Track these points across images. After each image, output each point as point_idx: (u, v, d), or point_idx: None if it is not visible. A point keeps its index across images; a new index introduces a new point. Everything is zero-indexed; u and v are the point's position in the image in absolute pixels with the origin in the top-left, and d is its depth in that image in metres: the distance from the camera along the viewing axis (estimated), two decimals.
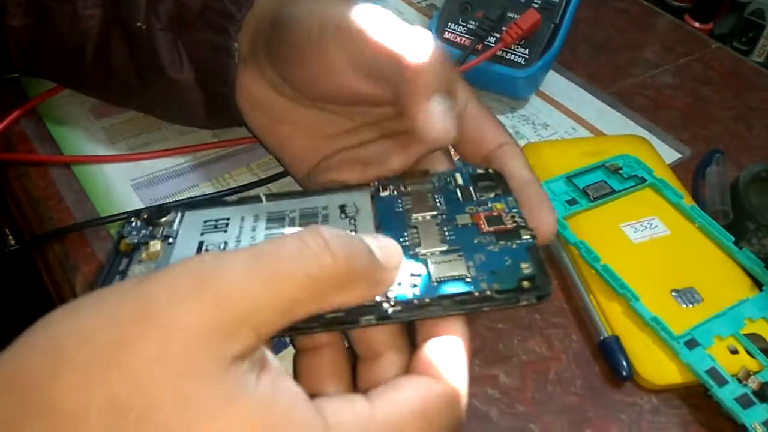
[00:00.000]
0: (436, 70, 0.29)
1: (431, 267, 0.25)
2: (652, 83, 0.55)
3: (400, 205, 0.30)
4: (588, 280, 0.37)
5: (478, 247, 0.26)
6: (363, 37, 0.31)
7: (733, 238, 0.39)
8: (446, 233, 0.27)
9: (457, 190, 0.30)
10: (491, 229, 0.27)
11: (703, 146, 0.49)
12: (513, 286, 0.24)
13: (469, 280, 0.25)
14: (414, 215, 0.29)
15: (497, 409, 0.33)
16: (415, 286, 0.25)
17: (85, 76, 0.40)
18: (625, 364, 0.34)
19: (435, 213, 0.29)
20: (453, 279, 0.25)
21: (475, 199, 0.29)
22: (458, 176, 0.31)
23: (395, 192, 0.31)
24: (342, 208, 0.30)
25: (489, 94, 0.51)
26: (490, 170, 0.31)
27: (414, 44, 0.30)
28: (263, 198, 0.32)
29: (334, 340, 0.27)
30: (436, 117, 0.29)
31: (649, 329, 0.35)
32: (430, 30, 0.49)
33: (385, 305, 0.24)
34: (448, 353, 0.24)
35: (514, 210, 0.28)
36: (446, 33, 0.49)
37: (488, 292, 0.24)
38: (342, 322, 0.23)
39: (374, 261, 0.23)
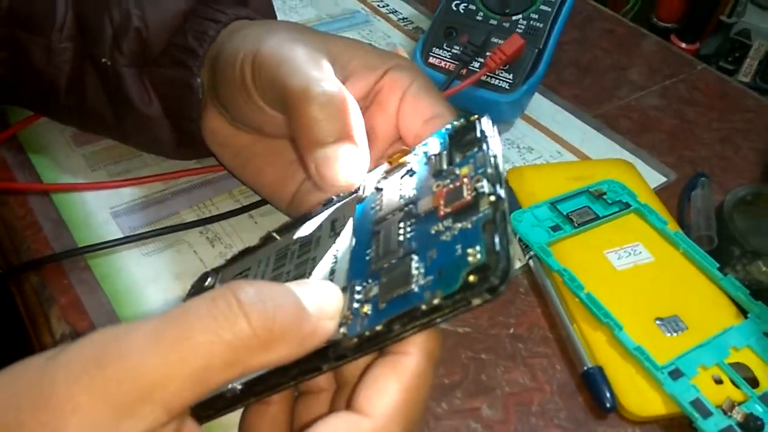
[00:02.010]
0: (327, 116, 0.28)
1: (381, 284, 0.23)
2: (637, 105, 0.55)
3: (373, 205, 0.27)
4: (572, 308, 0.37)
5: (432, 240, 0.23)
6: (268, 72, 0.31)
7: (718, 265, 0.39)
8: (406, 232, 0.24)
9: (432, 159, 0.26)
10: (449, 209, 0.23)
11: (688, 169, 0.49)
12: (457, 286, 0.20)
13: (415, 290, 0.22)
14: (381, 215, 0.26)
15: None
16: (366, 314, 0.22)
17: (60, 108, 0.40)
18: (608, 395, 0.33)
19: (402, 204, 0.25)
20: (399, 297, 0.22)
21: (444, 168, 0.25)
22: (435, 141, 0.27)
23: (373, 189, 0.28)
24: (333, 224, 0.28)
25: None
26: (471, 118, 0.26)
27: (308, 85, 0.29)
28: (276, 236, 0.30)
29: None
30: (324, 168, 0.28)
31: (633, 359, 0.34)
32: (416, 55, 0.49)
33: (344, 344, 0.22)
34: (385, 380, 0.22)
35: (480, 170, 0.24)
36: (431, 57, 0.49)
37: (435, 302, 0.21)
38: (297, 374, 0.22)
39: (301, 315, 0.21)
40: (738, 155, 0.52)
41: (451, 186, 0.24)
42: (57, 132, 0.45)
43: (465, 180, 0.24)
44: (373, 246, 0.25)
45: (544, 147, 0.49)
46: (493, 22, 0.48)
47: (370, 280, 0.23)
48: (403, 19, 0.62)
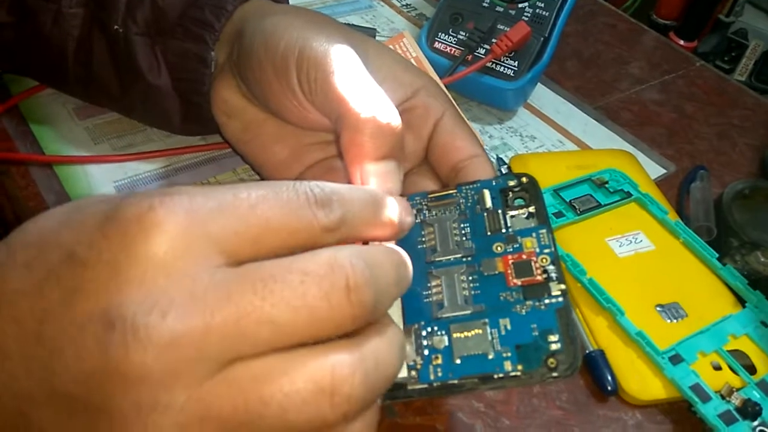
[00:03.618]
0: (377, 138, 0.29)
1: (453, 339, 0.25)
2: (637, 99, 0.56)
3: (422, 239, 0.28)
4: (574, 293, 0.37)
5: (503, 307, 0.25)
6: (320, 75, 0.31)
7: (717, 255, 0.39)
8: (471, 286, 0.26)
9: (485, 215, 0.28)
10: (519, 282, 0.26)
11: (687, 162, 0.50)
12: (537, 366, 0.24)
13: (491, 357, 0.24)
14: (437, 258, 0.27)
15: (482, 423, 0.33)
16: (438, 366, 0.24)
17: (66, 76, 0.40)
18: (610, 378, 0.34)
19: (460, 255, 0.27)
20: (474, 357, 0.24)
21: (504, 230, 0.27)
22: (486, 194, 0.29)
23: (417, 219, 0.29)
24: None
25: (478, 105, 0.51)
26: (523, 179, 0.29)
27: (364, 105, 0.29)
28: None
29: None
30: (372, 181, 0.29)
31: (634, 344, 0.35)
32: (421, 39, 0.49)
33: (410, 387, 0.24)
34: None
35: (546, 251, 0.26)
36: (436, 43, 0.49)
37: (512, 374, 0.24)
38: None
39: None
40: (735, 150, 0.53)
41: (517, 256, 0.26)
42: (59, 104, 0.45)
43: (533, 257, 0.26)
44: (432, 289, 0.26)
45: (547, 136, 0.50)
46: (499, 9, 0.49)
47: (435, 327, 0.25)
48: (407, 5, 0.62)
